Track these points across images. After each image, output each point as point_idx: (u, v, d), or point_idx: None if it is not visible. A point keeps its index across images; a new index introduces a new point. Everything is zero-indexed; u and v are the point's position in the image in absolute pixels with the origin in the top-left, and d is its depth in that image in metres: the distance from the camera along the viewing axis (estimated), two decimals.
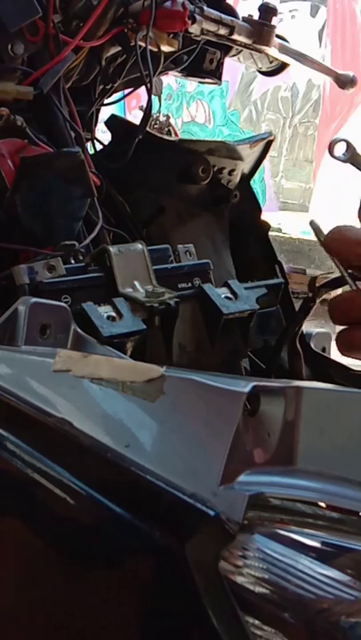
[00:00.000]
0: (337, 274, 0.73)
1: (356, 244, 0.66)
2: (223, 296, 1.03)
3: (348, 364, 1.22)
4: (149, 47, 1.21)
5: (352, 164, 0.68)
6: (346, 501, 0.60)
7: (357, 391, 0.67)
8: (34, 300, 0.79)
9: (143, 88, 1.27)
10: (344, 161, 0.68)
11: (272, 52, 1.42)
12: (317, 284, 0.92)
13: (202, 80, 1.49)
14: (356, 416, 0.63)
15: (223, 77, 1.48)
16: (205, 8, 1.28)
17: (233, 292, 1.04)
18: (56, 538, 0.58)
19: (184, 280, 1.03)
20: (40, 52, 1.12)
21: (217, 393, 0.57)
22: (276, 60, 1.48)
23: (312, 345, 1.22)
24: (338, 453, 0.62)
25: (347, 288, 0.72)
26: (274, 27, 1.38)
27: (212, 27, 1.30)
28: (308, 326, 1.20)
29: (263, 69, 1.52)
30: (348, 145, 0.68)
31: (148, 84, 1.23)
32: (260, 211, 1.41)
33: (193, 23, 1.25)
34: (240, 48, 1.41)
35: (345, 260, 0.68)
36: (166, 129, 5.49)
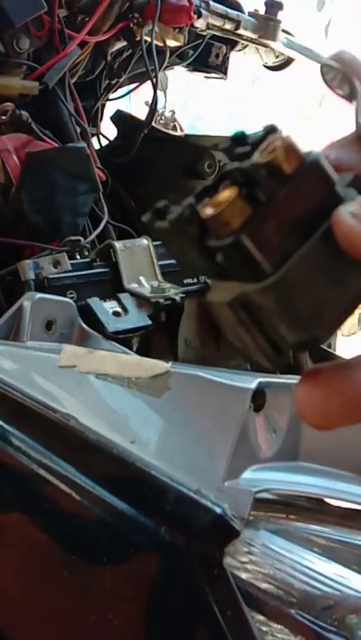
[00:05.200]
0: None
1: None
2: None
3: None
4: (155, 42, 1.20)
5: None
6: (351, 497, 0.60)
7: None
8: (39, 295, 0.79)
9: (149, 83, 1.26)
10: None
11: (278, 46, 1.41)
12: None
13: (208, 75, 1.49)
14: None
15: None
16: (211, 2, 1.28)
17: None
18: (61, 533, 0.58)
19: (190, 275, 1.03)
20: (45, 46, 1.12)
21: (223, 389, 0.57)
22: (282, 54, 1.47)
23: None
24: (343, 450, 0.61)
25: None
26: (280, 21, 1.37)
27: (217, 21, 1.30)
28: None
29: (269, 64, 1.51)
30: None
31: (154, 79, 1.23)
32: None
33: (199, 18, 1.24)
34: (246, 43, 1.40)
35: None
36: (172, 124, 5.48)
